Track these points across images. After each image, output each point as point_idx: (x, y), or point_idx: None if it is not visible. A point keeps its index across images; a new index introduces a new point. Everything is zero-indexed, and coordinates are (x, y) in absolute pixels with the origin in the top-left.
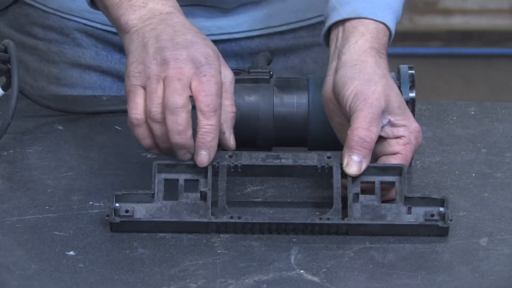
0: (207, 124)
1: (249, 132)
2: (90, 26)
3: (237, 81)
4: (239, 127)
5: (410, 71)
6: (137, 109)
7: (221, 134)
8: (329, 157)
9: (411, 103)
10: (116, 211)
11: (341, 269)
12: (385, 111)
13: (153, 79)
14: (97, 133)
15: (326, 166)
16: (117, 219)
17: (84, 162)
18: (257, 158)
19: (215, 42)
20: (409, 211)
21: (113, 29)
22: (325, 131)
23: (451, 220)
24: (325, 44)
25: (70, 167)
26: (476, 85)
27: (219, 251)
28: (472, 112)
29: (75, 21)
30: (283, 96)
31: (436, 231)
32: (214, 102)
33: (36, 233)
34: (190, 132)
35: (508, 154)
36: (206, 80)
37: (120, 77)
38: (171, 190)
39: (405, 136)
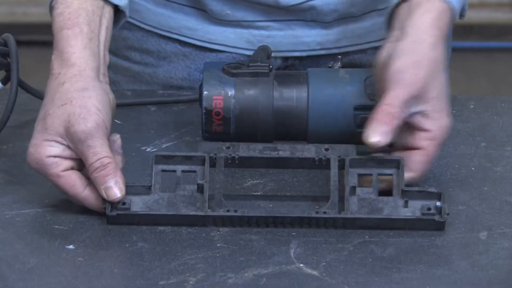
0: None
1: (249, 126)
2: (186, 44)
3: (236, 75)
4: (238, 121)
5: None
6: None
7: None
8: (326, 149)
9: None
10: (113, 203)
11: (341, 263)
12: (419, 98)
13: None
14: None
15: (324, 158)
16: (114, 212)
17: None
18: (254, 150)
19: (315, 57)
20: (406, 205)
21: (210, 45)
22: (325, 125)
23: (448, 214)
24: (386, 26)
25: None
26: (476, 79)
27: (218, 244)
28: (472, 106)
29: (172, 38)
30: (282, 90)
31: (432, 225)
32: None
33: (36, 227)
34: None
35: (508, 148)
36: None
37: None
38: (168, 182)
39: (432, 130)
